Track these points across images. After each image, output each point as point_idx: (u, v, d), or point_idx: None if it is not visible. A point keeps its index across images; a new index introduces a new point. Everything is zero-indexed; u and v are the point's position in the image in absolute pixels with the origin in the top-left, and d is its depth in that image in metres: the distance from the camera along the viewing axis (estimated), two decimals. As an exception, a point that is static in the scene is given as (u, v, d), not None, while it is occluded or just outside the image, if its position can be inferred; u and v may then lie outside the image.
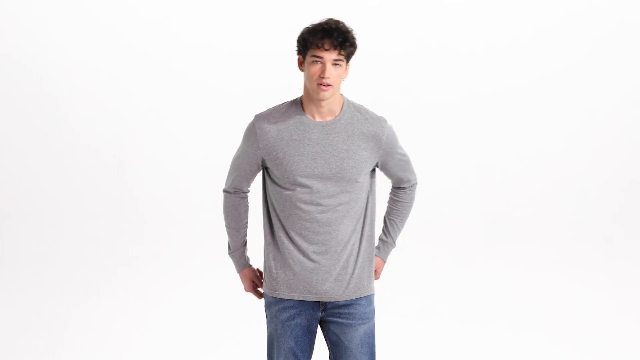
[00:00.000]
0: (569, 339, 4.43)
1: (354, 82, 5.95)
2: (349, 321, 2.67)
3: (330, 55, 2.45)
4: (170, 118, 5.95)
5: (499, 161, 6.14)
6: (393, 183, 2.83)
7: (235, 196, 2.72)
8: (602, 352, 4.29)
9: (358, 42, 2.50)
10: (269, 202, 2.66)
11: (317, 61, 2.47)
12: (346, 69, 2.52)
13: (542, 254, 5.73)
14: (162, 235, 5.79)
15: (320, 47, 2.45)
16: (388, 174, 2.75)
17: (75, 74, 5.88)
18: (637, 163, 6.23)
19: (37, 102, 5.89)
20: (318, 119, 2.57)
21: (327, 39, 2.45)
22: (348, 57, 2.50)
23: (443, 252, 5.69)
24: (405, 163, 2.77)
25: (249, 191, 2.75)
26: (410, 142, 6.21)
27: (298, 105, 2.59)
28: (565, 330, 4.56)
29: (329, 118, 2.58)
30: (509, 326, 4.62)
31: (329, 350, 2.75)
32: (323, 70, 2.46)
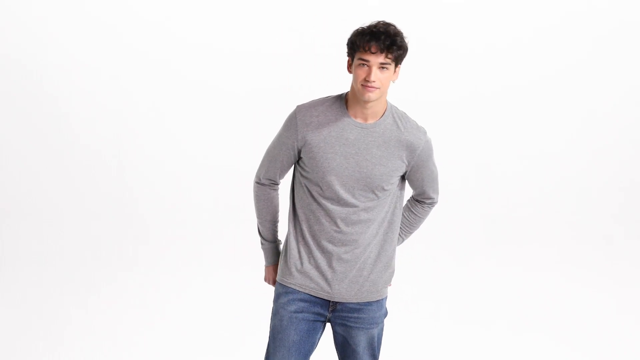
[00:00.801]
0: (569, 339, 4.43)
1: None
2: (358, 325, 2.67)
3: (376, 59, 2.44)
4: (170, 118, 5.94)
5: (499, 161, 6.14)
6: (414, 194, 2.82)
7: (268, 188, 2.71)
8: (602, 352, 4.29)
9: (409, 44, 2.49)
10: (296, 195, 2.66)
11: (363, 64, 2.45)
12: (396, 72, 2.52)
13: (542, 254, 5.73)
14: (162, 236, 5.79)
15: (367, 51, 2.43)
16: (413, 184, 2.74)
17: (75, 74, 5.88)
18: (637, 163, 6.23)
19: (37, 102, 5.88)
20: (360, 120, 2.56)
21: (374, 42, 2.43)
22: (397, 60, 2.49)
23: (443, 252, 5.69)
24: (433, 180, 2.76)
25: (280, 183, 2.74)
26: (410, 142, 6.22)
27: (343, 102, 2.58)
28: (565, 330, 4.56)
29: (370, 121, 2.56)
30: (509, 326, 4.62)
31: (337, 351, 2.77)
32: (369, 74, 2.44)
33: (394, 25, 2.49)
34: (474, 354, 4.27)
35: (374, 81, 2.44)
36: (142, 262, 5.59)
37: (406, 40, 2.49)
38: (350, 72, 2.53)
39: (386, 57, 2.44)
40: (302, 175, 2.62)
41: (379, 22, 2.48)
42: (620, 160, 6.21)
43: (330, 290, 2.61)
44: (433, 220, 5.99)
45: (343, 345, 2.73)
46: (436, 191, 2.81)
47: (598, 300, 5.02)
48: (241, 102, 5.70)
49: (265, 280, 2.86)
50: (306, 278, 2.62)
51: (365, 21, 2.51)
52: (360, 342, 2.69)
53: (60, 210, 5.88)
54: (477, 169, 6.13)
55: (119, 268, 5.51)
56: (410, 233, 2.87)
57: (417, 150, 2.61)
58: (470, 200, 6.05)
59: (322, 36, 5.76)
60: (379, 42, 2.42)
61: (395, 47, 2.44)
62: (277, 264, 2.79)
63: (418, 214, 2.84)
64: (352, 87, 2.55)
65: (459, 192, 6.05)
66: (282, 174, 2.70)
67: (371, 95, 2.47)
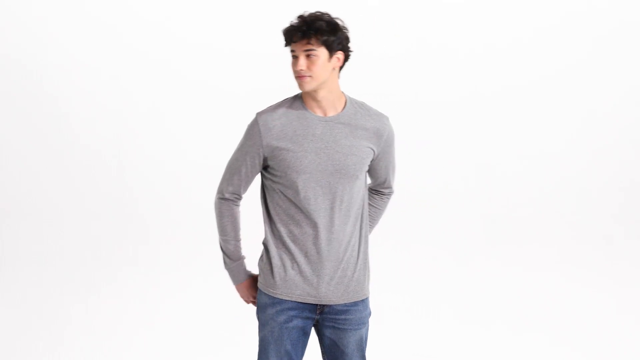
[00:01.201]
0: (569, 339, 4.43)
1: (354, 81, 5.97)
2: (345, 327, 2.63)
3: (301, 47, 2.44)
4: (170, 118, 5.95)
5: (499, 161, 6.14)
6: (374, 185, 2.79)
7: (232, 203, 2.64)
8: (602, 352, 4.29)
9: (345, 27, 2.48)
10: (270, 201, 2.61)
11: (294, 56, 2.47)
12: (330, 58, 2.47)
13: (542, 254, 5.73)
14: (162, 236, 5.79)
15: (292, 41, 2.45)
16: (377, 173, 2.71)
17: (75, 74, 5.88)
18: (637, 163, 6.23)
19: (37, 102, 5.88)
20: (319, 114, 2.55)
21: (294, 31, 2.44)
22: (329, 46, 2.45)
23: (443, 252, 5.69)
24: (394, 167, 2.77)
25: (242, 197, 2.68)
26: (410, 142, 6.25)
27: (300, 100, 2.57)
28: (565, 330, 4.56)
29: (331, 113, 2.55)
30: (509, 326, 4.62)
31: (323, 353, 2.71)
32: (296, 63, 2.45)
33: (320, 13, 2.48)
34: (474, 354, 4.27)
35: (301, 69, 2.44)
36: (142, 262, 5.59)
37: (340, 24, 2.48)
38: None
39: (308, 42, 2.43)
40: (273, 181, 2.57)
41: (307, 13, 2.48)
42: (620, 160, 6.21)
43: (317, 294, 2.57)
44: (433, 220, 6.02)
45: (331, 348, 2.68)
46: (394, 179, 2.82)
47: (598, 300, 5.02)
48: (241, 102, 5.70)
49: (244, 298, 2.75)
50: (292, 285, 2.56)
51: (367, 20, 2.51)
52: (350, 343, 2.66)
53: (60, 210, 5.88)
54: (477, 169, 6.13)
55: (118, 268, 5.51)
56: (373, 228, 2.85)
57: (383, 135, 2.61)
58: (470, 200, 6.06)
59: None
60: (299, 29, 2.43)
61: (312, 32, 2.42)
62: (251, 279, 2.72)
63: (378, 207, 2.82)
64: None
65: (459, 192, 6.06)
66: (246, 186, 2.65)
67: (304, 84, 2.46)
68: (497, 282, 5.27)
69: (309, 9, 2.53)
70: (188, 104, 5.94)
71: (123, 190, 5.93)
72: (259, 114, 2.56)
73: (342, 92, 2.59)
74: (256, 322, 2.68)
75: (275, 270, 2.58)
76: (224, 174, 2.64)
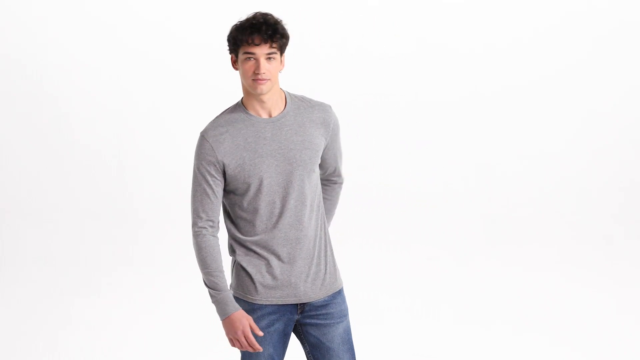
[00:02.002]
0: (569, 339, 4.42)
1: (354, 81, 5.98)
2: (328, 321, 2.62)
3: (262, 50, 2.43)
4: (170, 118, 5.95)
5: (499, 161, 6.14)
6: (324, 175, 2.76)
7: (209, 235, 2.53)
8: (602, 352, 4.29)
9: (289, 31, 2.48)
10: (231, 215, 2.58)
11: (250, 57, 2.44)
12: (282, 61, 2.49)
13: (542, 254, 5.72)
14: (162, 236, 5.79)
15: (251, 43, 2.42)
16: (325, 163, 2.69)
17: (75, 74, 5.88)
18: (637, 163, 6.23)
19: (37, 102, 5.88)
20: (264, 116, 2.53)
21: (256, 34, 2.41)
22: (282, 49, 2.47)
23: (443, 252, 5.68)
24: (342, 154, 2.75)
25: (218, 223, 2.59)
26: (410, 142, 6.24)
27: (241, 107, 2.55)
28: (565, 330, 4.55)
29: (275, 113, 2.54)
30: (509, 326, 4.62)
31: (308, 354, 2.69)
32: (257, 66, 2.43)
33: (272, 15, 2.48)
34: (473, 353, 4.27)
35: (264, 73, 2.43)
36: (143, 262, 5.59)
37: (286, 27, 2.48)
38: (235, 68, 2.51)
39: (271, 46, 2.43)
40: (231, 193, 2.53)
41: (256, 13, 2.47)
42: (620, 160, 6.21)
43: (296, 294, 2.55)
44: (433, 220, 6.02)
45: (317, 347, 2.65)
46: (343, 167, 2.79)
47: (598, 300, 5.01)
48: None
49: (238, 333, 2.49)
50: (270, 290, 2.54)
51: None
52: (335, 337, 2.64)
53: (61, 210, 5.88)
54: (477, 169, 6.13)
55: (119, 268, 5.51)
56: (330, 221, 2.82)
57: (330, 124, 2.60)
58: (470, 200, 6.05)
59: (322, 36, 5.76)
60: (261, 32, 2.41)
61: (278, 36, 2.43)
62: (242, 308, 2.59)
63: (332, 198, 2.79)
64: (243, 87, 2.53)
65: (459, 192, 6.05)
66: (219, 209, 2.55)
67: (263, 87, 2.45)
68: (497, 282, 5.26)
69: (308, 9, 2.54)
70: (188, 104, 5.94)
71: (123, 190, 5.93)
72: (204, 132, 2.53)
73: (281, 89, 2.58)
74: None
75: (253, 276, 2.55)
76: (193, 207, 2.53)
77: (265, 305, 2.56)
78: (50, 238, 5.77)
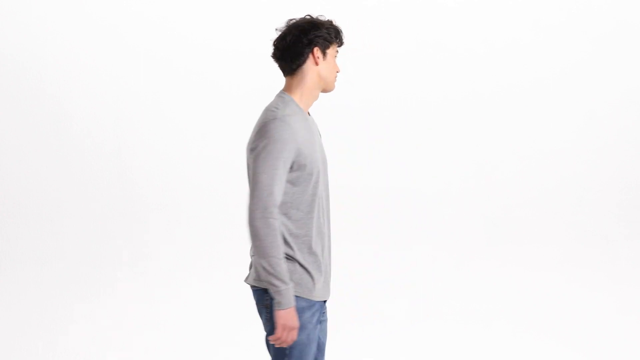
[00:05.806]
0: (569, 339, 4.43)
1: (354, 81, 5.98)
2: (325, 317, 2.71)
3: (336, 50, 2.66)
4: (170, 118, 5.94)
5: (499, 161, 6.14)
6: None
7: (275, 220, 2.42)
8: (602, 352, 4.29)
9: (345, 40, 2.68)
10: (289, 209, 2.51)
11: (336, 56, 2.61)
12: None
13: (542, 254, 5.73)
14: (163, 235, 5.79)
15: (341, 44, 2.62)
16: None
17: (75, 74, 5.88)
18: (637, 163, 6.23)
19: (37, 102, 5.88)
20: (306, 113, 2.62)
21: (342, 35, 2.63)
22: None
23: (443, 252, 5.69)
24: None
25: None
26: (410, 142, 6.24)
27: (293, 101, 2.57)
28: (565, 330, 4.56)
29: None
30: (509, 326, 4.62)
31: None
32: (336, 64, 2.62)
33: None
34: (474, 353, 4.27)
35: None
36: (143, 262, 5.58)
37: None
38: (317, 63, 2.54)
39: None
40: (293, 185, 2.48)
41: (327, 19, 2.64)
42: (620, 160, 6.21)
43: (329, 289, 2.66)
44: (433, 220, 6.02)
45: (319, 347, 2.71)
46: None
47: (598, 300, 5.02)
48: (241, 102, 5.69)
49: (291, 326, 2.45)
50: (322, 287, 2.59)
51: (364, 18, 2.61)
52: (326, 333, 2.74)
53: (61, 210, 5.87)
54: (477, 169, 6.13)
55: (119, 268, 5.51)
56: None
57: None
58: (470, 200, 6.05)
59: (322, 36, 5.76)
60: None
61: None
62: None
63: None
64: (312, 81, 2.56)
65: (459, 192, 6.05)
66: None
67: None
68: (497, 282, 5.27)
69: (310, 9, 2.57)
70: (188, 104, 5.94)
71: (123, 190, 5.92)
72: (286, 116, 2.47)
73: None
74: (255, 323, 2.69)
75: (312, 273, 2.53)
76: (264, 188, 2.41)
77: (317, 301, 2.58)
78: (51, 238, 5.77)
